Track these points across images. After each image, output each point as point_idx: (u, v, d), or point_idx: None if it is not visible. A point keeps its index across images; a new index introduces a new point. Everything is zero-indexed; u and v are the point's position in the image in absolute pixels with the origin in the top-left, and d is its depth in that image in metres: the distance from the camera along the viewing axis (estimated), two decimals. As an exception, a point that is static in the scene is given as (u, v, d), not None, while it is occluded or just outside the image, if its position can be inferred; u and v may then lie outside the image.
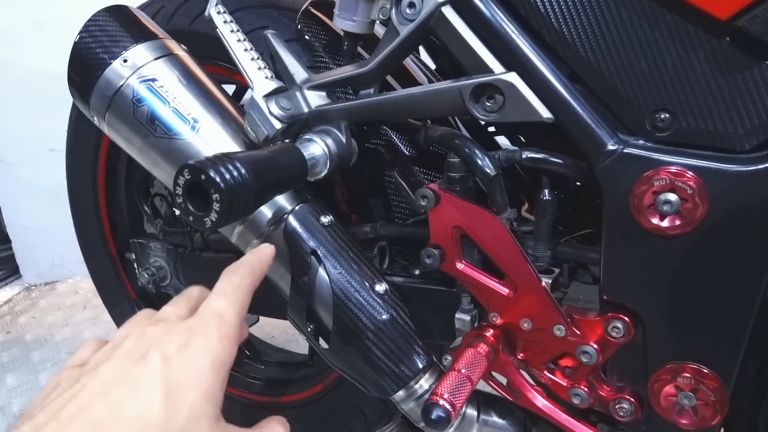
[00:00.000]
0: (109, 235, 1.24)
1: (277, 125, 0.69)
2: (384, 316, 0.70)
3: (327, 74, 0.72)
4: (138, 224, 1.26)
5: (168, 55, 0.76)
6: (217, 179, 0.53)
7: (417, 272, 0.80)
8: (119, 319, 1.30)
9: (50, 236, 2.21)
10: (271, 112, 0.68)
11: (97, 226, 1.24)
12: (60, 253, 2.25)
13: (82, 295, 2.20)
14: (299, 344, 1.72)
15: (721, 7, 0.52)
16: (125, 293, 1.27)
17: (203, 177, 0.54)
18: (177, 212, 0.98)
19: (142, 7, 1.00)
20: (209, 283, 1.00)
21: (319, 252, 0.70)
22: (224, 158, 0.55)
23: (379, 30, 0.78)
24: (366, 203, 0.88)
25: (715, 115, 0.56)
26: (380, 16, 0.69)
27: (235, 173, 0.54)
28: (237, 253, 0.93)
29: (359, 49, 0.80)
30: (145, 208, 1.01)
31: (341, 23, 0.71)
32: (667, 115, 0.59)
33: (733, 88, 0.54)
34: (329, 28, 0.86)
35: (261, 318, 1.12)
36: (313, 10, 0.87)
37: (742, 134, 0.55)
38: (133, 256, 1.03)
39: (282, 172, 0.62)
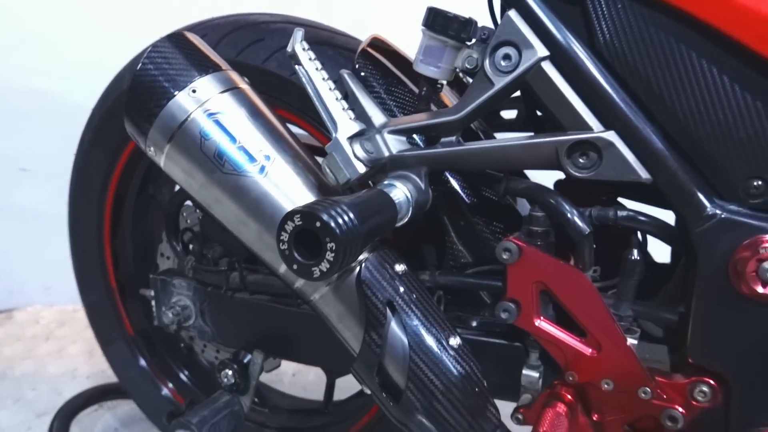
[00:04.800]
0: (111, 267, 1.17)
1: (361, 169, 0.66)
2: (459, 373, 0.67)
3: (409, 119, 0.70)
4: (142, 257, 1.19)
5: (234, 88, 0.72)
6: (333, 225, 0.50)
7: (474, 324, 0.78)
8: (114, 357, 1.20)
9: (11, 261, 2.07)
10: (355, 155, 0.66)
11: (97, 257, 1.16)
12: (20, 279, 2.11)
13: (44, 325, 2.05)
14: (284, 385, 1.64)
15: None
16: (122, 330, 1.19)
17: (318, 224, 0.50)
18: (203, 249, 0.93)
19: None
20: (238, 325, 0.95)
21: (395, 303, 0.66)
22: (333, 203, 0.52)
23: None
24: (416, 249, 0.85)
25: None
26: (466, 65, 0.68)
27: (347, 218, 0.51)
28: (275, 296, 0.89)
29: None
30: (174, 243, 0.94)
31: (424, 69, 0.70)
32: (761, 182, 0.60)
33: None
34: (387, 70, 0.84)
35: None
36: (371, 51, 0.86)
37: None
38: (152, 293, 0.96)
39: (378, 218, 0.59)
